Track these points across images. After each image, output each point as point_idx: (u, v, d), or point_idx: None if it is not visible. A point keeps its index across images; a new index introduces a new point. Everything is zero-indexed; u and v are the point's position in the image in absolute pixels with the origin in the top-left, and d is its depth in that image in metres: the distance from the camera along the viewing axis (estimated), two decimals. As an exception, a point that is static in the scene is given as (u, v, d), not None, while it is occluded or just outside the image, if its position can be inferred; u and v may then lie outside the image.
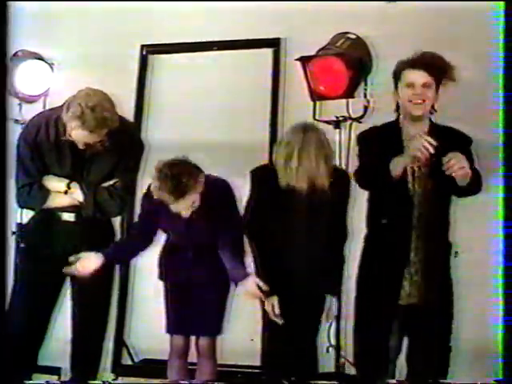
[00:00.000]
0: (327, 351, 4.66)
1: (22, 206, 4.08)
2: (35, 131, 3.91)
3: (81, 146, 3.82)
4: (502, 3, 3.89)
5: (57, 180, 3.90)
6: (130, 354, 5.13)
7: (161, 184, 3.75)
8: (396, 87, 3.80)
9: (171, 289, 4.07)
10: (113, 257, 3.93)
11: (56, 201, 3.90)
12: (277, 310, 3.86)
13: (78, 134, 3.74)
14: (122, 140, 3.89)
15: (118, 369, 5.06)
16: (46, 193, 3.90)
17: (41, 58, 5.06)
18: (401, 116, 3.84)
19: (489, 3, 4.25)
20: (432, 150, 3.56)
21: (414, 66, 3.74)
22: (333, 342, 4.70)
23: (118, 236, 4.18)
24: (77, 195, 3.88)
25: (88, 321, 3.98)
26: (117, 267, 4.12)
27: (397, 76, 3.79)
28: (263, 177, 3.98)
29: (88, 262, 3.81)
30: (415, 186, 3.75)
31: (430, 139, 3.57)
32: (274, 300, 3.87)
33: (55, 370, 4.65)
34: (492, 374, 3.92)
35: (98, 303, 4.00)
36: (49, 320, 3.98)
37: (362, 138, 3.92)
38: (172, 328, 4.06)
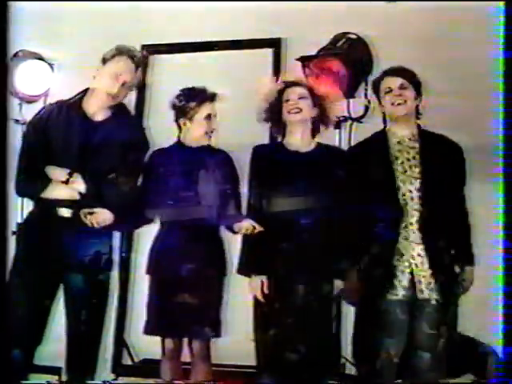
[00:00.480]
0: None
1: (20, 193, 4.04)
2: (47, 115, 3.95)
3: (104, 95, 3.93)
4: (501, 3, 3.91)
5: (58, 169, 3.89)
6: (130, 354, 5.14)
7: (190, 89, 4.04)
8: (379, 101, 4.00)
9: (159, 284, 3.97)
10: (120, 217, 3.90)
11: (55, 192, 3.89)
12: (266, 290, 3.83)
13: (121, 64, 3.94)
14: (129, 135, 3.94)
15: (118, 369, 5.07)
16: (45, 181, 3.88)
17: (41, 58, 5.06)
18: (387, 127, 3.99)
19: (489, 3, 4.25)
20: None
21: (388, 73, 3.97)
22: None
23: (116, 235, 4.17)
24: (78, 185, 3.87)
25: (82, 324, 3.94)
26: (116, 268, 4.12)
27: (376, 88, 4.02)
28: (263, 151, 4.07)
29: (102, 216, 3.82)
30: (405, 184, 3.85)
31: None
32: (263, 277, 3.84)
33: (55, 370, 4.64)
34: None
35: (92, 307, 3.96)
36: (46, 319, 3.97)
37: (351, 157, 4.04)
38: (157, 329, 3.96)
